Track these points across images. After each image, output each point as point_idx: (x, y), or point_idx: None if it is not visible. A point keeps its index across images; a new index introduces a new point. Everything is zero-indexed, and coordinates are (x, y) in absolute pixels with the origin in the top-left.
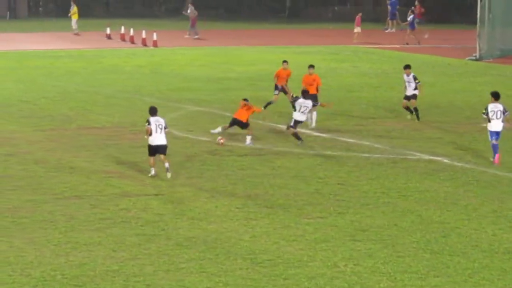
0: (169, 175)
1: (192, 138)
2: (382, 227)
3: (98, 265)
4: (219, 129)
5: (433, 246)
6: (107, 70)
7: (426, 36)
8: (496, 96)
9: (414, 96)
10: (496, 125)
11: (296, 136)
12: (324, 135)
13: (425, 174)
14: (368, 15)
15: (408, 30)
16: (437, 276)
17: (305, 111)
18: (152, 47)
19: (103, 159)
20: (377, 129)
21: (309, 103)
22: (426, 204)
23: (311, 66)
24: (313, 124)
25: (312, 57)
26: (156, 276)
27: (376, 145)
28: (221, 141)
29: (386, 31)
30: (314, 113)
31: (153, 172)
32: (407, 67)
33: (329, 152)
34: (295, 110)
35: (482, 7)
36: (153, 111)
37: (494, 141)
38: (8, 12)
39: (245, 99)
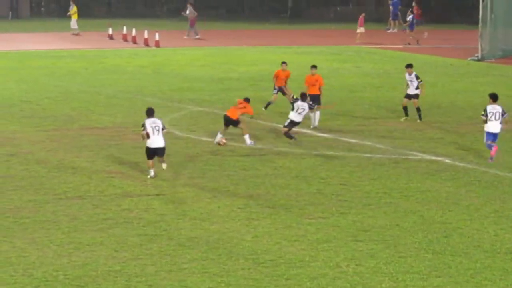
0: (164, 165)
1: (194, 138)
2: (384, 227)
3: (100, 265)
4: (218, 135)
5: (435, 246)
6: (109, 70)
7: (425, 36)
8: (494, 98)
9: (416, 96)
10: (493, 126)
11: (288, 135)
12: (326, 135)
13: (426, 174)
14: (371, 15)
15: (408, 31)
16: (439, 277)
17: (302, 113)
18: (154, 47)
19: (105, 159)
20: (379, 129)
21: (305, 105)
22: (428, 204)
23: (314, 67)
24: (316, 124)
25: (314, 58)
26: (158, 276)
27: (378, 145)
28: (223, 140)
29: (388, 31)
30: (317, 112)
31: (152, 173)
32: (409, 66)
33: (331, 152)
34: (292, 109)
35: (484, 8)
36: (149, 112)
37: (489, 142)
38: (10, 12)
39: (247, 99)
